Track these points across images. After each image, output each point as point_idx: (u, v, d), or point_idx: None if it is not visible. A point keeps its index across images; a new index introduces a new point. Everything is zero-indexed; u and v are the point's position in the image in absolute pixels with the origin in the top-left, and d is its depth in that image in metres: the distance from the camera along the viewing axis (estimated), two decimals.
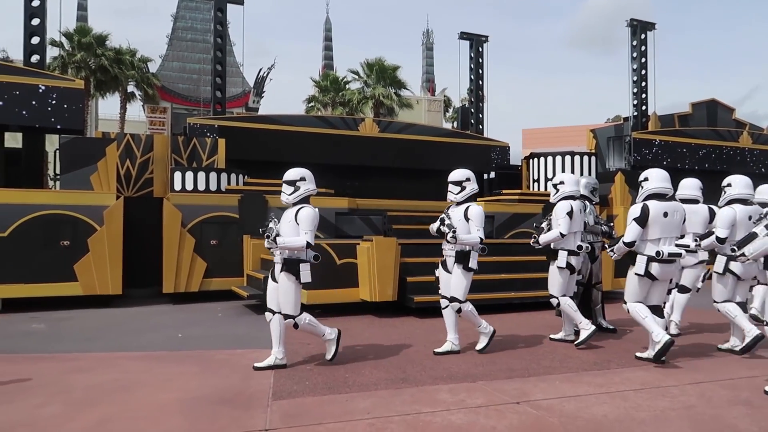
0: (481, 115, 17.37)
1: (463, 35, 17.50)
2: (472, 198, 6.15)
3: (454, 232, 5.85)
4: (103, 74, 29.66)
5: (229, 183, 10.97)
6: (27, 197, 9.05)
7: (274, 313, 5.50)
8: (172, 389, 4.79)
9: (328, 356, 5.65)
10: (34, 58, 11.22)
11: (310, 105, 35.57)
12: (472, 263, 5.97)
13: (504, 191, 13.16)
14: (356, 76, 33.35)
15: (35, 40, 11.26)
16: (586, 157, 14.77)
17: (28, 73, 9.99)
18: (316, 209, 5.51)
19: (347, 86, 34.53)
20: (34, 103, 9.63)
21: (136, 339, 6.73)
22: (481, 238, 5.90)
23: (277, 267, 5.46)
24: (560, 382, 5.08)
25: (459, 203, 6.11)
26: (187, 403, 4.44)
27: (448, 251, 6.10)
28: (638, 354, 5.95)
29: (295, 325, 5.44)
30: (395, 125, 15.48)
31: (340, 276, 8.44)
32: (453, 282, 6.04)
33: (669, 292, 6.60)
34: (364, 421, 4.10)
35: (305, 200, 5.54)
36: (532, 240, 6.72)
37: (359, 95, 32.84)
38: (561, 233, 6.39)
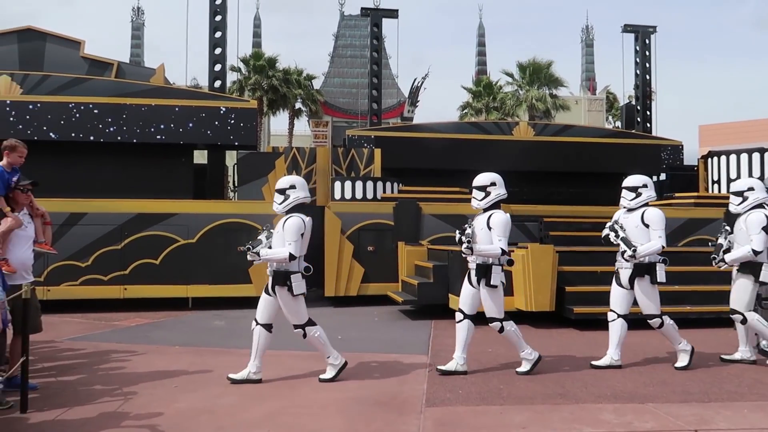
0: (648, 113, 16.05)
1: (628, 28, 16.33)
2: (496, 205, 5.60)
3: (469, 242, 5.37)
4: (273, 94, 32.42)
5: (384, 191, 11.35)
6: (211, 207, 10.18)
7: (257, 323, 5.36)
8: (331, 389, 5.05)
9: (325, 376, 5.32)
10: (217, 83, 12.63)
11: (464, 112, 35.57)
12: (494, 280, 5.43)
13: (677, 194, 11.98)
14: (510, 78, 32.70)
15: (218, 67, 12.67)
16: None
17: (212, 97, 11.26)
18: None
19: (501, 90, 33.99)
20: (216, 123, 10.81)
21: (299, 339, 7.20)
22: (503, 249, 5.37)
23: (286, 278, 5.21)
24: (749, 410, 4.48)
25: (484, 210, 5.60)
26: (345, 402, 4.65)
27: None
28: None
29: (304, 335, 5.34)
30: (552, 128, 14.87)
31: None
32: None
33: None
34: None
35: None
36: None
37: (513, 98, 32.14)
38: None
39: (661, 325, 5.74)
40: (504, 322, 5.52)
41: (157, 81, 11.12)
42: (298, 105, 35.40)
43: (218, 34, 12.71)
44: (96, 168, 10.50)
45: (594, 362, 5.82)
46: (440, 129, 14.01)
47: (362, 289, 10.49)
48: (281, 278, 5.16)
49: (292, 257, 5.07)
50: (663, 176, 14.80)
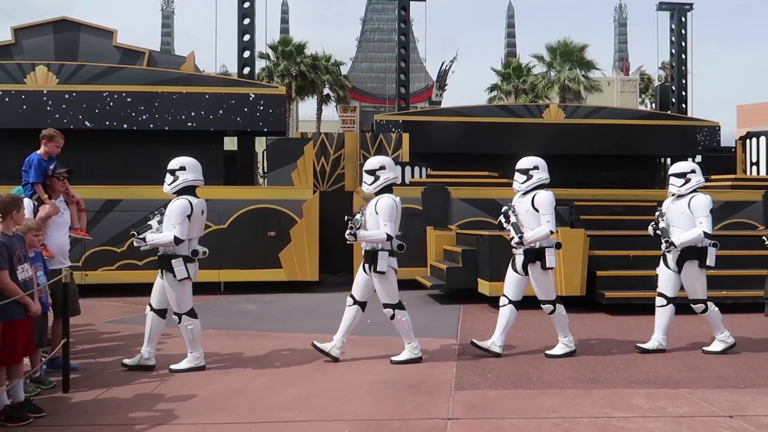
0: (684, 93, 15.58)
1: (663, 6, 15.81)
2: (540, 186, 5.54)
3: (351, 228, 5.25)
4: (302, 80, 32.53)
5: (413, 176, 11.31)
6: (242, 193, 10.31)
7: (152, 309, 5.26)
8: (362, 372, 5.11)
9: (175, 366, 5.14)
10: (246, 70, 12.70)
11: (492, 94, 35.12)
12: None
13: (713, 177, 11.67)
14: (539, 61, 32.12)
15: (246, 54, 12.73)
16: None
17: (241, 84, 11.34)
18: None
19: (530, 72, 33.42)
20: (246, 110, 10.89)
21: (330, 323, 7.25)
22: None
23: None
24: None
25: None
26: (375, 386, 4.71)
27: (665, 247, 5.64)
28: None
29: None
30: (583, 110, 14.57)
31: None
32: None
33: None
34: (549, 420, 3.96)
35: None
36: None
37: (543, 80, 31.56)
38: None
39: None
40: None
41: (188, 69, 11.25)
42: (326, 91, 35.45)
43: (247, 21, 12.75)
44: (130, 155, 10.69)
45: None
46: (469, 112, 13.85)
47: None
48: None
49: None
50: (699, 158, 14.40)
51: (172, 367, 5.15)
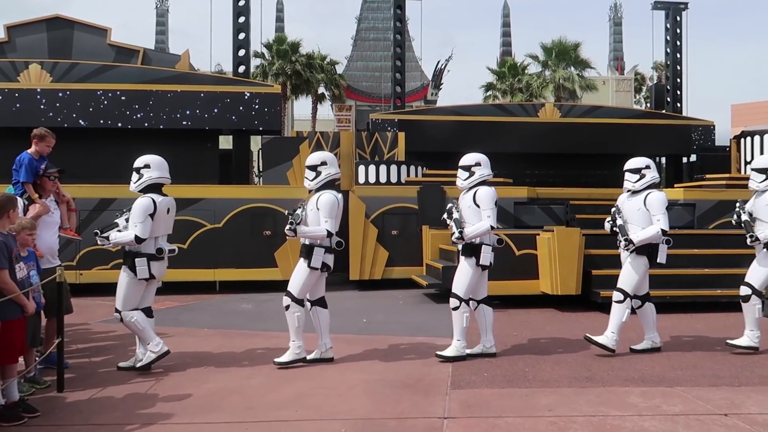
0: (679, 92, 15.64)
1: (658, 5, 15.87)
2: (482, 183, 5.51)
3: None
4: (297, 78, 32.43)
5: (408, 175, 11.30)
6: (237, 192, 10.28)
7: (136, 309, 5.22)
8: (358, 370, 5.11)
9: (137, 364, 5.12)
10: (241, 68, 12.67)
11: (487, 93, 35.12)
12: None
13: (708, 176, 11.71)
14: (534, 61, 32.13)
15: (241, 52, 12.70)
16: None
17: (236, 83, 11.31)
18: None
19: (525, 71, 33.43)
20: (241, 108, 10.86)
21: (332, 320, 7.28)
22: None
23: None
24: None
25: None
26: (372, 384, 4.70)
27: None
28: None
29: (121, 319, 5.17)
30: (578, 109, 14.61)
31: (519, 267, 8.24)
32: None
33: None
34: (545, 418, 3.96)
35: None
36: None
37: (538, 79, 31.58)
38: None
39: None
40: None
41: (183, 67, 11.20)
42: (321, 89, 35.37)
43: (242, 20, 12.72)
44: (124, 154, 10.60)
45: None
46: (464, 111, 13.86)
47: (387, 273, 10.51)
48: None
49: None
50: (693, 157, 14.46)
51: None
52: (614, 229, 5.69)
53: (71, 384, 4.66)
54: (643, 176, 5.60)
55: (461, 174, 5.61)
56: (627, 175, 5.72)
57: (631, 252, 5.56)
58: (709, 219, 10.53)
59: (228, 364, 5.34)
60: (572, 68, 30.78)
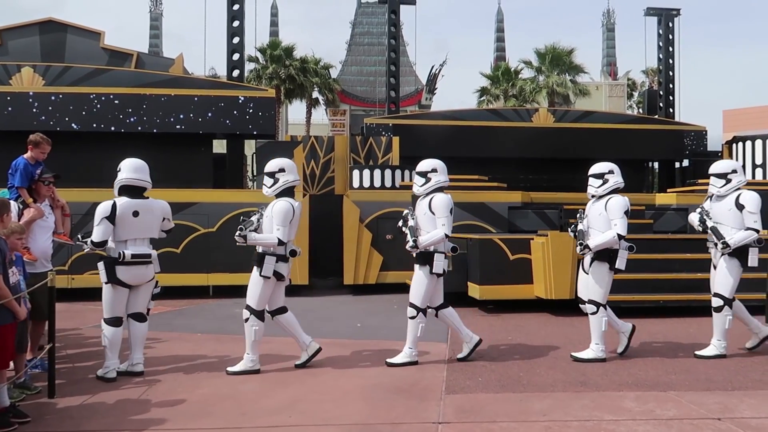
0: (671, 98, 15.75)
1: (651, 11, 16.00)
2: (438, 189, 5.48)
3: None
4: (291, 83, 32.41)
5: (402, 179, 11.30)
6: (231, 196, 10.24)
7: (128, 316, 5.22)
8: (353, 375, 5.09)
9: (230, 368, 5.15)
10: (235, 72, 12.66)
11: (481, 98, 35.23)
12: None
13: (700, 181, 11.77)
14: (528, 66, 32.26)
15: (236, 56, 12.69)
16: None
17: (231, 87, 11.30)
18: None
19: (519, 76, 33.57)
20: (235, 112, 10.84)
21: (321, 326, 7.25)
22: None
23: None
24: None
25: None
26: (366, 389, 4.68)
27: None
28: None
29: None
30: (572, 114, 14.67)
31: (514, 272, 8.24)
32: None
33: None
34: (540, 423, 3.96)
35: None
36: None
37: (532, 84, 31.72)
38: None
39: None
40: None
41: (176, 71, 11.18)
42: (315, 94, 35.37)
43: (236, 24, 12.72)
44: (117, 158, 10.53)
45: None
46: (459, 116, 13.89)
47: (381, 278, 10.50)
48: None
49: (280, 242, 5.04)
50: (686, 162, 14.54)
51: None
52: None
53: (62, 390, 4.62)
54: (606, 181, 5.61)
55: (417, 180, 5.57)
56: (590, 180, 5.74)
57: (592, 260, 5.53)
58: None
59: (221, 369, 5.30)
60: (566, 74, 30.93)
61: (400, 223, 5.58)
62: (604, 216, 5.47)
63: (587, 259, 5.63)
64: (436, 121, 13.78)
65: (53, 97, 10.24)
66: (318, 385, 4.84)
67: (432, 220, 5.33)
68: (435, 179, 5.46)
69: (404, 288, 9.99)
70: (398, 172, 11.32)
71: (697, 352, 5.73)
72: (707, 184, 11.72)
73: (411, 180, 11.27)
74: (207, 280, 9.90)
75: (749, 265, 5.42)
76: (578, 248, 5.54)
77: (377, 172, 11.17)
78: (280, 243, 5.09)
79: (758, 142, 13.00)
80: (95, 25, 11.14)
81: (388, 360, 5.42)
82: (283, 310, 5.41)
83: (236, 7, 12.79)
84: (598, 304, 5.50)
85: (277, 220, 5.10)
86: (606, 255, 5.45)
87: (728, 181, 5.69)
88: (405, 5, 15.63)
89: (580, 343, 6.29)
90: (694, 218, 5.79)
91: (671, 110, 15.72)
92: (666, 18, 15.77)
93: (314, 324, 7.49)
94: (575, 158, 13.92)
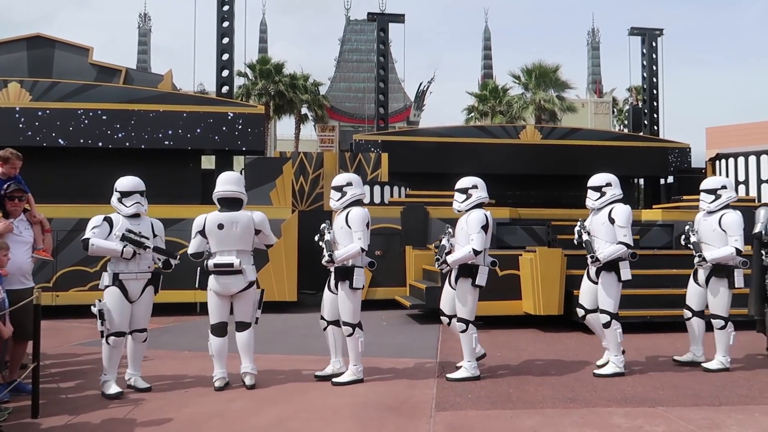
0: (655, 115, 16.01)
1: (634, 30, 16.33)
2: (355, 203, 5.48)
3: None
4: (280, 99, 32.50)
5: (392, 195, 11.34)
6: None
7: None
8: (342, 393, 5.05)
9: (340, 379, 5.29)
10: (224, 88, 12.69)
11: (470, 115, 35.55)
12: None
13: (685, 197, 11.93)
14: (516, 82, 32.62)
15: (225, 72, 12.73)
16: None
17: (220, 103, 11.30)
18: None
19: (506, 93, 33.93)
20: (224, 128, 10.84)
21: (309, 343, 7.21)
22: (363, 248, 5.25)
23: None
24: (760, 414, 4.44)
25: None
26: (356, 407, 4.64)
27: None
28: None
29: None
30: (558, 131, 14.84)
31: (502, 288, 8.26)
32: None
33: None
34: None
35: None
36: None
37: (519, 101, 32.07)
38: (475, 250, 5.31)
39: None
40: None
41: (165, 87, 11.18)
42: (304, 110, 35.49)
43: (225, 40, 12.78)
44: (105, 174, 10.48)
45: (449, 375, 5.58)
46: (447, 133, 14.00)
47: (370, 294, 10.45)
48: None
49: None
50: (671, 179, 14.74)
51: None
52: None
53: (46, 409, 4.53)
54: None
55: (333, 195, 5.59)
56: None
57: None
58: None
59: (209, 387, 5.24)
60: (552, 90, 31.31)
61: (317, 237, 5.50)
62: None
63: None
64: (425, 138, 13.87)
65: (40, 113, 10.18)
66: (307, 402, 4.79)
67: (348, 234, 5.28)
68: (350, 192, 5.50)
69: (393, 304, 10.02)
70: (387, 189, 11.36)
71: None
72: (692, 200, 11.89)
73: (400, 196, 11.41)
74: (194, 297, 9.80)
75: (622, 279, 5.47)
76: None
77: (366, 188, 11.19)
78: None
79: (740, 159, 13.22)
80: (85, 38, 11.22)
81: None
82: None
83: (226, 24, 12.86)
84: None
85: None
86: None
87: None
88: (394, 23, 15.81)
89: (570, 359, 6.31)
90: (576, 231, 5.84)
91: (655, 127, 15.96)
92: (649, 38, 16.08)
93: (302, 341, 7.45)
94: (562, 174, 14.07)
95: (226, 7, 12.97)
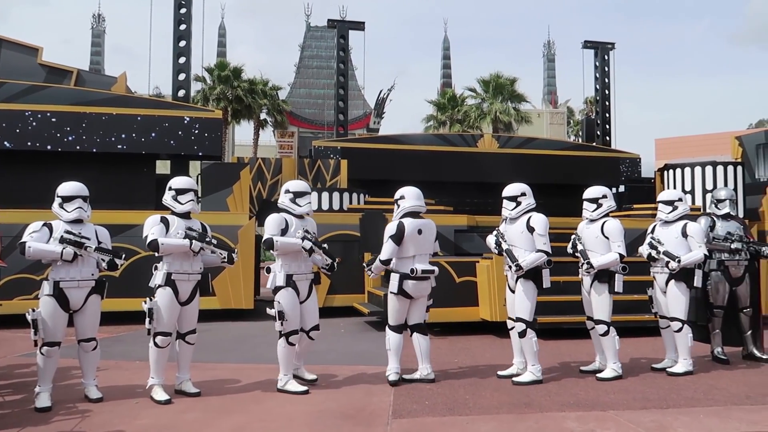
0: (608, 126, 16.52)
1: (587, 44, 16.84)
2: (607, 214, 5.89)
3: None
4: (238, 104, 32.13)
5: (351, 202, 11.33)
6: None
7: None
8: (298, 402, 5.00)
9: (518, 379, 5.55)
10: (181, 92, 12.46)
11: (428, 124, 35.94)
12: None
13: (635, 206, 12.33)
14: (473, 95, 33.18)
15: (182, 76, 12.51)
16: (731, 167, 13.43)
17: (176, 107, 11.09)
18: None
19: (464, 102, 34.47)
20: (180, 133, 10.63)
21: (266, 351, 7.10)
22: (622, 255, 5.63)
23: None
24: (705, 416, 4.62)
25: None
26: (313, 416, 4.60)
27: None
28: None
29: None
30: (515, 140, 15.14)
31: (460, 294, 8.35)
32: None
33: None
34: None
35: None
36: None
37: (477, 111, 32.61)
38: (381, 260, 5.69)
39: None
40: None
41: (119, 90, 10.90)
42: (263, 115, 35.17)
43: (182, 43, 12.57)
44: (54, 178, 10.08)
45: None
46: (406, 140, 14.10)
47: (328, 301, 10.41)
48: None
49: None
50: (622, 188, 15.22)
51: (514, 379, 5.56)
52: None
53: None
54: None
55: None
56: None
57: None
58: (638, 247, 11.05)
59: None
60: (508, 102, 31.98)
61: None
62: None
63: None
64: (384, 145, 13.93)
65: None
66: (262, 412, 4.72)
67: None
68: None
69: (351, 311, 9.99)
70: (346, 195, 11.34)
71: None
72: (642, 208, 12.30)
73: (359, 203, 11.40)
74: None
75: (544, 286, 5.68)
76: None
77: (325, 195, 11.15)
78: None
79: (687, 170, 13.75)
80: (40, 37, 10.81)
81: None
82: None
83: (183, 27, 12.65)
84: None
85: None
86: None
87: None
88: (354, 30, 15.86)
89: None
90: (490, 240, 5.95)
91: (608, 138, 16.48)
92: (602, 51, 16.61)
93: (258, 349, 7.35)
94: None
95: (183, 10, 12.77)
